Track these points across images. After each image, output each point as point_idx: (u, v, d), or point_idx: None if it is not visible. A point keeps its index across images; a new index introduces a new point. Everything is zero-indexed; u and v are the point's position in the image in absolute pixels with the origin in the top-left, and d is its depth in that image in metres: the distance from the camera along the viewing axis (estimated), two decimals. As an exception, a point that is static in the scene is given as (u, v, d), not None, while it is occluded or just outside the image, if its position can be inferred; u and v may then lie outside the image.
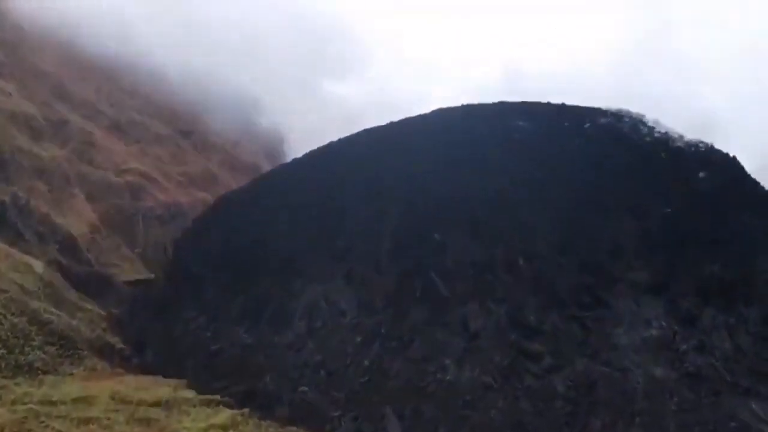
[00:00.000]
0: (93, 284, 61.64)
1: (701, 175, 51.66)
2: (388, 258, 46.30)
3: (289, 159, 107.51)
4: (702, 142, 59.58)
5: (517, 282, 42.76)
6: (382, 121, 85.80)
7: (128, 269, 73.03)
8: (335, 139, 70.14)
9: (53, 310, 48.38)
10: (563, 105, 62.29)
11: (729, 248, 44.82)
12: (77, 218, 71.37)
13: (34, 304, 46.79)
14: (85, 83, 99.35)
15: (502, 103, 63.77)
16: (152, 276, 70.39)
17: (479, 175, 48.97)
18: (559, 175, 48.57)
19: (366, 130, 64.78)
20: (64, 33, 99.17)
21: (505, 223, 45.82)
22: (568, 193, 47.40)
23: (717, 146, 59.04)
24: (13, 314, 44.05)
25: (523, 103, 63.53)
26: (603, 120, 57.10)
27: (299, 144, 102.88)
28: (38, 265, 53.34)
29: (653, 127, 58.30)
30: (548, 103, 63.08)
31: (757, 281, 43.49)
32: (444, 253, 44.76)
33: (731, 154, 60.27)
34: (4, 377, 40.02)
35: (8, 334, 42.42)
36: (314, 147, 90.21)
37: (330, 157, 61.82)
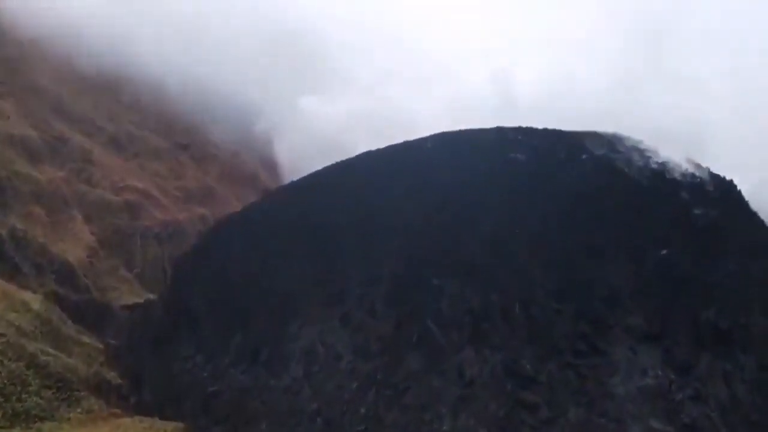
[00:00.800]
0: (91, 313, 61.86)
1: (697, 211, 51.56)
2: (384, 302, 46.27)
3: (284, 171, 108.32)
4: (699, 168, 59.56)
5: (513, 329, 42.78)
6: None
7: (127, 291, 73.17)
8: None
9: (50, 350, 48.52)
10: (559, 132, 62.01)
11: (724, 292, 44.89)
12: (75, 242, 71.39)
13: (32, 346, 46.90)
14: (84, 98, 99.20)
15: (499, 129, 63.43)
16: (150, 297, 70.51)
17: (477, 217, 48.85)
18: (555, 217, 48.46)
19: (365, 155, 64.50)
20: (63, 47, 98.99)
21: (501, 267, 45.80)
22: (564, 235, 47.31)
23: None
24: (10, 359, 44.24)
25: (520, 129, 63.24)
26: (599, 151, 56.88)
27: (292, 156, 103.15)
28: (35, 301, 53.33)
29: (650, 157, 58.12)
30: (545, 130, 62.81)
31: (752, 327, 43.59)
32: (440, 298, 44.73)
33: (728, 178, 60.42)
34: (2, 427, 40.28)
35: (5, 381, 42.64)
36: (307, 159, 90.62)
37: (327, 185, 61.47)
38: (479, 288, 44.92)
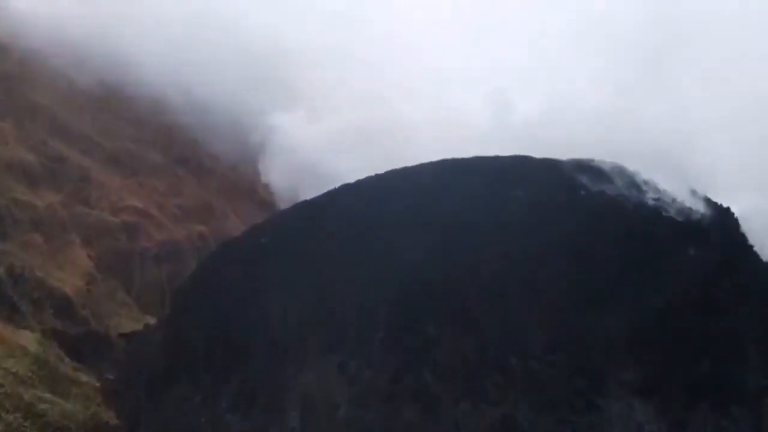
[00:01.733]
0: (89, 346, 61.80)
1: (692, 252, 51.62)
2: (381, 350, 46.35)
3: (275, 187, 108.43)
4: (696, 197, 59.62)
5: (510, 382, 42.94)
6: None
7: (125, 316, 73.35)
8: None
9: (48, 396, 48.52)
10: (556, 163, 61.98)
11: (720, 343, 44.95)
12: (73, 270, 71.42)
13: (29, 393, 46.95)
14: (82, 114, 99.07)
15: (497, 158, 63.44)
16: (149, 321, 70.62)
17: (474, 261, 48.94)
18: (552, 264, 48.54)
19: (365, 182, 64.46)
20: (61, 64, 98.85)
21: (497, 317, 45.90)
22: (560, 283, 47.42)
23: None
24: (8, 411, 44.27)
25: (517, 158, 63.27)
26: (596, 187, 56.91)
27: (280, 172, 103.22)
28: (33, 341, 53.35)
29: (646, 191, 58.21)
30: (543, 160, 62.78)
31: (748, 378, 43.65)
32: (437, 348, 44.89)
33: (725, 205, 60.41)
34: (0, 483, 40.48)
35: (2, 437, 42.76)
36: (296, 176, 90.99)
37: (323, 214, 61.19)
38: (475, 337, 45.09)
